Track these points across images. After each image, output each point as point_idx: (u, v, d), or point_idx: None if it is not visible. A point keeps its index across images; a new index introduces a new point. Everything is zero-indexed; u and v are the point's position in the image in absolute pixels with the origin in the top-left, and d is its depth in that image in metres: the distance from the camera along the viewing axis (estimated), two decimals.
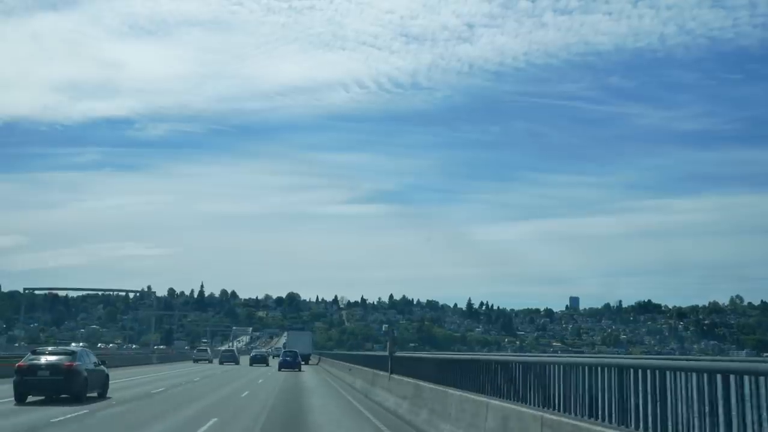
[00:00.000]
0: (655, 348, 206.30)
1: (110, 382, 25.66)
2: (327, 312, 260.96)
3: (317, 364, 69.60)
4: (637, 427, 7.42)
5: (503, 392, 11.42)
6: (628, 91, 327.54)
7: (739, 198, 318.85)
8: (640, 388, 7.40)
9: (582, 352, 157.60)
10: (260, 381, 37.72)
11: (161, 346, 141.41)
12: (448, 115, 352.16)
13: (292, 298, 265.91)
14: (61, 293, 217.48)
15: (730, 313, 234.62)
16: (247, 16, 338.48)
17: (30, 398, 21.68)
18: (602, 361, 8.53)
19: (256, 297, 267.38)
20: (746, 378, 5.96)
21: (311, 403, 23.45)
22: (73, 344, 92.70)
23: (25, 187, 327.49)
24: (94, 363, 24.04)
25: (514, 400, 10.82)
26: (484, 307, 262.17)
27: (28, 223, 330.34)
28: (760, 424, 5.79)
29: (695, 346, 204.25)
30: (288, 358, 54.25)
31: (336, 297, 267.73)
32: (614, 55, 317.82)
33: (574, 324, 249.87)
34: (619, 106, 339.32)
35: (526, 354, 50.03)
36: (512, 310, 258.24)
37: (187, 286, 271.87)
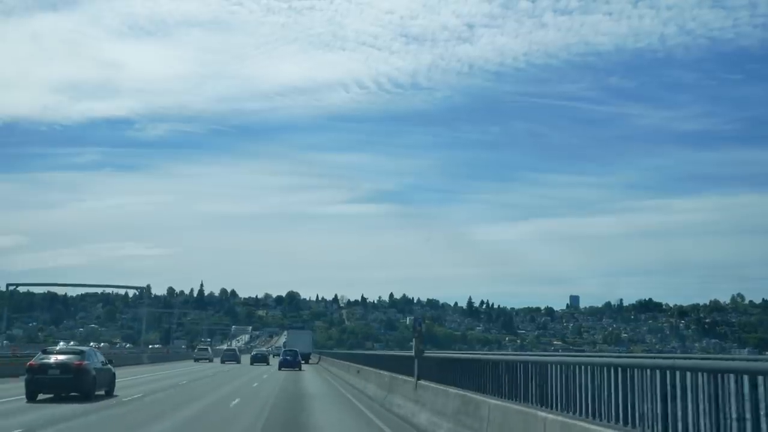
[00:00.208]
0: (656, 347, 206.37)
1: None
2: (327, 311, 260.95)
3: (317, 363, 69.65)
4: None
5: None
6: (628, 91, 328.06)
7: (739, 198, 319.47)
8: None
9: (583, 351, 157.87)
10: (254, 385, 33.25)
11: (156, 346, 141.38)
12: (448, 115, 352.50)
13: (292, 297, 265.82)
14: (60, 292, 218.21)
15: (732, 312, 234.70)
16: (246, 17, 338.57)
17: (39, 396, 22.12)
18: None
19: (256, 296, 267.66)
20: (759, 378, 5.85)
21: (319, 420, 18.54)
22: (71, 342, 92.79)
23: (25, 187, 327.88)
24: (102, 362, 24.47)
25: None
26: (484, 306, 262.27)
27: (28, 223, 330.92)
28: None
29: (696, 345, 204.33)
30: (288, 358, 54.31)
31: (336, 296, 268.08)
32: (614, 55, 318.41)
33: (575, 323, 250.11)
34: (619, 106, 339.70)
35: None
36: (513, 308, 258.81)
37: (186, 285, 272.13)
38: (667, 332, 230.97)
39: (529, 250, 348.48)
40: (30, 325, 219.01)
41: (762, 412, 5.84)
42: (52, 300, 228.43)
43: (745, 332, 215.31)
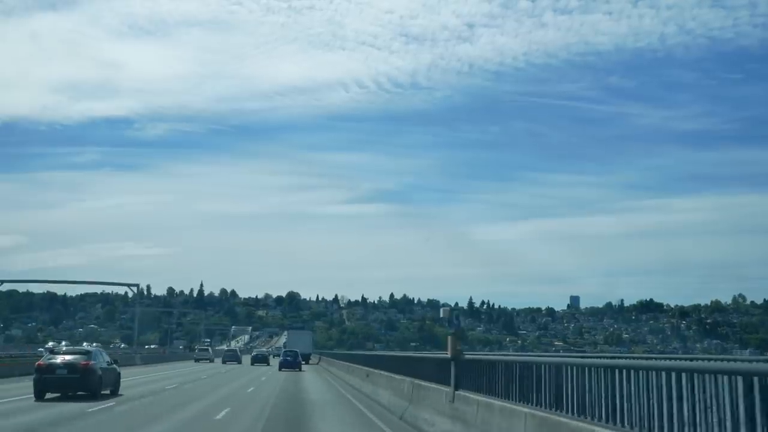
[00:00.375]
0: (658, 347, 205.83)
1: None
2: (327, 311, 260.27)
3: (317, 363, 69.33)
4: None
5: None
6: (628, 91, 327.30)
7: (739, 198, 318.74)
8: None
9: (584, 352, 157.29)
10: (250, 390, 29.67)
11: (153, 346, 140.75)
12: (448, 115, 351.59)
13: (292, 297, 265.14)
14: (60, 292, 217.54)
15: (733, 312, 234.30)
16: (246, 16, 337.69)
17: (47, 395, 22.65)
18: None
19: (256, 296, 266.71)
20: None
21: None
22: (63, 342, 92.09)
23: (25, 187, 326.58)
24: (107, 362, 25.09)
25: None
26: (485, 306, 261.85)
27: (27, 223, 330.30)
28: None
29: (698, 345, 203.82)
30: (288, 358, 54.30)
31: (336, 296, 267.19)
32: (614, 55, 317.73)
33: (575, 323, 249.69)
34: (619, 106, 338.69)
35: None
36: (513, 309, 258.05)
37: (186, 285, 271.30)
38: (669, 333, 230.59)
39: (529, 250, 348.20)
40: (29, 325, 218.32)
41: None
42: (51, 300, 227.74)
43: (746, 333, 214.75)
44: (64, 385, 22.56)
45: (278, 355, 67.87)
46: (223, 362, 70.65)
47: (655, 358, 14.46)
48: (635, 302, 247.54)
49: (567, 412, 9.12)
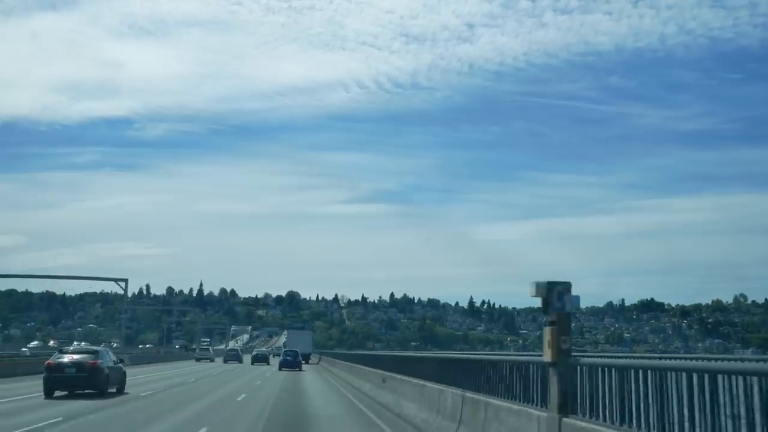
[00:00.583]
0: (659, 347, 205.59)
1: None
2: (327, 311, 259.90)
3: (318, 363, 69.03)
4: None
5: None
6: (628, 91, 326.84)
7: (739, 198, 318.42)
8: None
9: (585, 351, 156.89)
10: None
11: (148, 345, 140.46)
12: (448, 115, 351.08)
13: (292, 296, 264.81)
14: (59, 292, 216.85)
15: (734, 312, 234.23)
16: (246, 16, 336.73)
17: (56, 393, 23.29)
18: None
19: (256, 296, 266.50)
20: None
21: None
22: (51, 342, 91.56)
23: (25, 187, 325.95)
24: (114, 361, 25.86)
25: None
26: (485, 306, 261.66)
27: (27, 223, 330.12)
28: None
29: (699, 345, 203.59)
30: (288, 358, 54.33)
31: (336, 296, 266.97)
32: (614, 55, 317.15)
33: (576, 322, 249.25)
34: (619, 106, 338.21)
35: None
36: (514, 308, 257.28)
37: (186, 285, 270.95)
38: (670, 332, 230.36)
39: (530, 249, 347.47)
40: (28, 325, 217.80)
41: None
42: (50, 300, 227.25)
43: (748, 332, 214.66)
44: (72, 383, 23.18)
45: (278, 355, 68.31)
46: (225, 361, 71.63)
47: None
48: (636, 302, 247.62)
49: None
